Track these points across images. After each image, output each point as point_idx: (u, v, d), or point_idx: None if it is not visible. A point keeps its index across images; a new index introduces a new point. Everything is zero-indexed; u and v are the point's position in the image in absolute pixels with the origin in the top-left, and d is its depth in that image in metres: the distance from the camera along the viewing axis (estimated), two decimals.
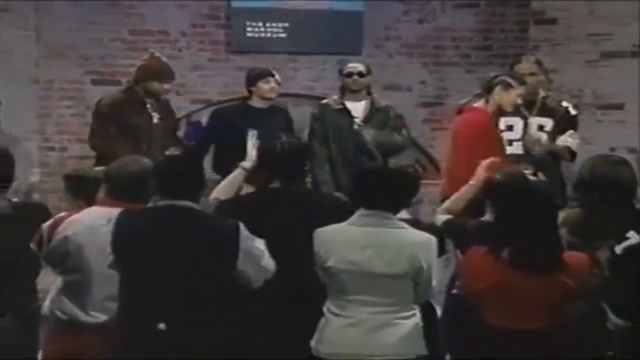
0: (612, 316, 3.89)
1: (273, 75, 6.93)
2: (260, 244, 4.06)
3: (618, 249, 3.92)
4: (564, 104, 6.64)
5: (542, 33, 8.22)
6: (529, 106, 6.47)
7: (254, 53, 8.53)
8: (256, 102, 6.90)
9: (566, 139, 6.40)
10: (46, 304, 4.57)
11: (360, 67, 6.95)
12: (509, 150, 6.35)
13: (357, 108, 6.93)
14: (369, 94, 6.99)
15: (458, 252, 4.76)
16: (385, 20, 8.79)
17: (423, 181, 8.36)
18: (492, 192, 4.66)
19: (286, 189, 4.45)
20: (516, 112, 6.40)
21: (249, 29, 8.64)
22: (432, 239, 4.10)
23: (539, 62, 6.64)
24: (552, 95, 6.59)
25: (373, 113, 6.90)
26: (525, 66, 6.53)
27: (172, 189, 4.02)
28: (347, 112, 6.90)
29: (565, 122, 6.49)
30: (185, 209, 3.98)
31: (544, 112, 6.43)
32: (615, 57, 7.84)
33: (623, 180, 4.36)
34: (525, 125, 6.45)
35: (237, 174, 4.84)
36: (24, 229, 4.30)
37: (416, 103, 8.74)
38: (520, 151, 6.40)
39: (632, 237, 3.92)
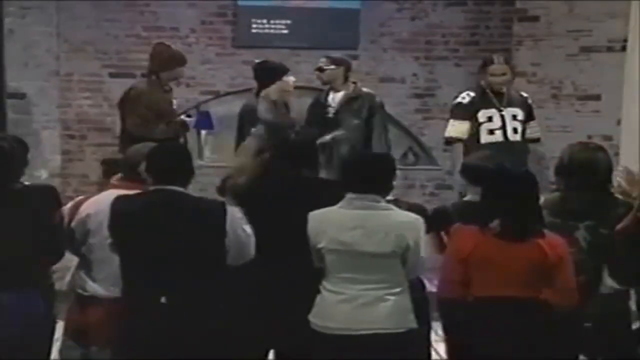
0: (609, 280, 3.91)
1: (288, 70, 6.94)
2: (247, 228, 4.08)
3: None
4: (524, 94, 6.92)
5: (525, 29, 8.21)
6: (499, 99, 6.69)
7: (258, 48, 8.52)
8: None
9: (533, 132, 6.82)
10: (66, 282, 4.59)
11: (321, 62, 6.96)
12: (490, 138, 6.60)
13: (335, 98, 6.95)
14: (354, 83, 6.96)
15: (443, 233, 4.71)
16: (380, 17, 8.78)
17: (416, 167, 8.48)
18: (467, 174, 4.80)
19: (296, 175, 4.44)
20: (491, 105, 6.66)
21: (254, 25, 8.64)
22: (419, 219, 4.07)
23: (507, 61, 6.86)
24: (513, 87, 6.91)
25: (347, 102, 6.90)
26: (502, 67, 6.71)
27: (163, 175, 4.03)
28: (324, 102, 6.93)
29: (527, 111, 6.82)
30: (174, 192, 4.00)
31: (511, 102, 6.69)
32: (593, 52, 7.84)
33: (599, 166, 4.37)
34: (502, 116, 6.65)
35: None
36: (36, 208, 4.29)
37: (409, 94, 8.74)
38: (500, 139, 6.61)
39: None
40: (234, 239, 4.02)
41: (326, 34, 8.61)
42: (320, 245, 4.03)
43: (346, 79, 6.93)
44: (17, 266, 4.07)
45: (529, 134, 6.80)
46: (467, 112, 6.70)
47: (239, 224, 4.05)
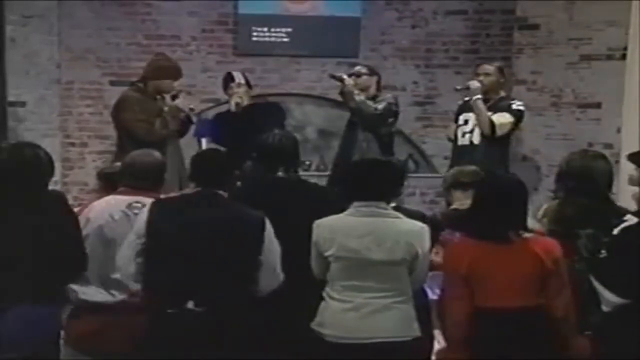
0: (608, 295, 3.88)
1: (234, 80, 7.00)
2: (278, 247, 4.02)
3: (615, 230, 3.93)
4: (514, 106, 7.00)
5: (525, 38, 8.22)
6: (484, 103, 6.90)
7: (259, 56, 8.55)
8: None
9: (494, 116, 6.88)
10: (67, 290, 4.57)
11: (362, 70, 6.99)
12: (462, 141, 6.95)
13: None
14: (378, 91, 6.98)
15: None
16: (381, 25, 8.79)
17: (416, 174, 8.48)
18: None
19: (280, 177, 4.45)
20: (471, 109, 6.91)
21: (254, 33, 8.64)
22: (425, 228, 4.06)
23: (500, 68, 7.09)
24: (507, 97, 7.16)
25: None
26: (486, 67, 7.07)
27: (205, 178, 4.02)
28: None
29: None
30: (214, 196, 3.97)
31: (495, 109, 6.87)
32: (593, 60, 7.84)
33: (596, 173, 4.37)
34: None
35: None
36: (57, 217, 4.22)
37: (409, 102, 8.74)
38: (467, 142, 6.90)
39: (630, 219, 3.96)
40: (268, 255, 3.97)
41: (327, 42, 8.62)
42: (328, 253, 4.01)
43: (379, 90, 6.99)
44: (35, 280, 3.88)
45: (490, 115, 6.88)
46: (456, 115, 7.12)
47: (273, 241, 4.00)
